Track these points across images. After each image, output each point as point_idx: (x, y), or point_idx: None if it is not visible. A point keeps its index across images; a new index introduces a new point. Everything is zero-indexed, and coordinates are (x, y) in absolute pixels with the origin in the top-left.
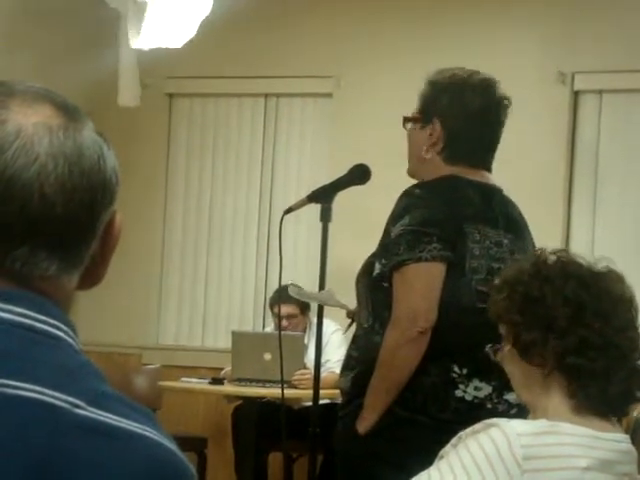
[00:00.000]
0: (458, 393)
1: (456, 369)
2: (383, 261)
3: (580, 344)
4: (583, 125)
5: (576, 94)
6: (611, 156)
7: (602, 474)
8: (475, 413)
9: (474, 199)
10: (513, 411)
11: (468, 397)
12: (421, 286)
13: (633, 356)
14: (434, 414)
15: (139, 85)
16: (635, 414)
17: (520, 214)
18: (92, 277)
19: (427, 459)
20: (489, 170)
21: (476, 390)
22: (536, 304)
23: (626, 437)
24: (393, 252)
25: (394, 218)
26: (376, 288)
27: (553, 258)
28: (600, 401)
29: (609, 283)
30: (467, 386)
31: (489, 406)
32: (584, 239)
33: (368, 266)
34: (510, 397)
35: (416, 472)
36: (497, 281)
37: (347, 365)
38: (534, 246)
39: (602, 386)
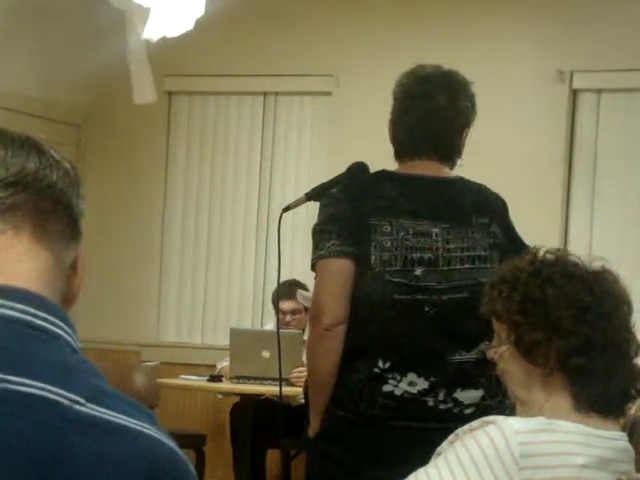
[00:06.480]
0: (386, 388)
1: (380, 364)
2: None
3: (584, 344)
4: (581, 124)
5: (575, 93)
6: (609, 154)
7: (599, 472)
8: (408, 408)
9: (389, 192)
10: (468, 411)
11: (398, 392)
12: (324, 283)
13: (630, 355)
14: (363, 411)
15: (152, 80)
16: (632, 412)
17: (474, 201)
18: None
19: (370, 457)
20: (443, 161)
21: (410, 385)
22: (538, 305)
23: (623, 435)
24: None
25: None
26: None
27: (551, 257)
28: (601, 401)
29: (609, 284)
30: (400, 381)
31: (431, 403)
32: (582, 237)
33: None
34: (461, 396)
35: (364, 471)
36: (492, 279)
37: None
38: (495, 233)
39: (603, 386)
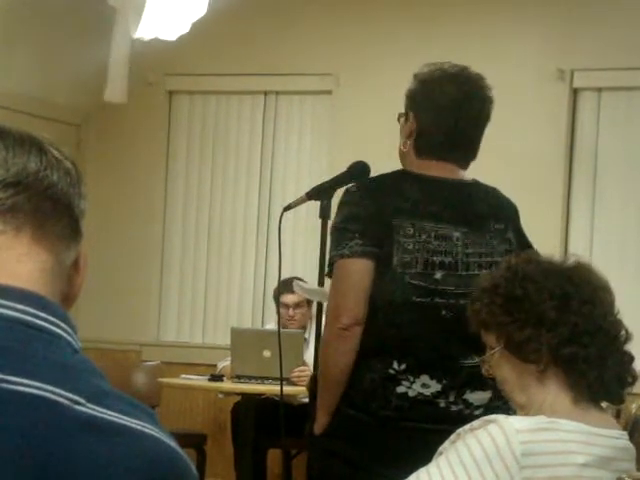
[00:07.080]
0: (400, 389)
1: (395, 365)
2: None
3: (572, 332)
4: (582, 122)
5: (575, 91)
6: (610, 153)
7: (600, 470)
8: (421, 410)
9: (411, 194)
10: (478, 412)
11: (412, 393)
12: (343, 283)
13: (619, 340)
14: (375, 411)
15: (127, 81)
16: (634, 411)
17: (492, 206)
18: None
19: (379, 456)
20: (462, 164)
21: (423, 387)
22: (521, 302)
23: (624, 434)
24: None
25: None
26: None
27: (525, 259)
28: (598, 387)
29: (586, 274)
30: (413, 382)
31: (442, 405)
32: (583, 236)
33: None
34: (471, 397)
35: (371, 469)
36: (473, 294)
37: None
38: (510, 240)
39: (599, 372)
